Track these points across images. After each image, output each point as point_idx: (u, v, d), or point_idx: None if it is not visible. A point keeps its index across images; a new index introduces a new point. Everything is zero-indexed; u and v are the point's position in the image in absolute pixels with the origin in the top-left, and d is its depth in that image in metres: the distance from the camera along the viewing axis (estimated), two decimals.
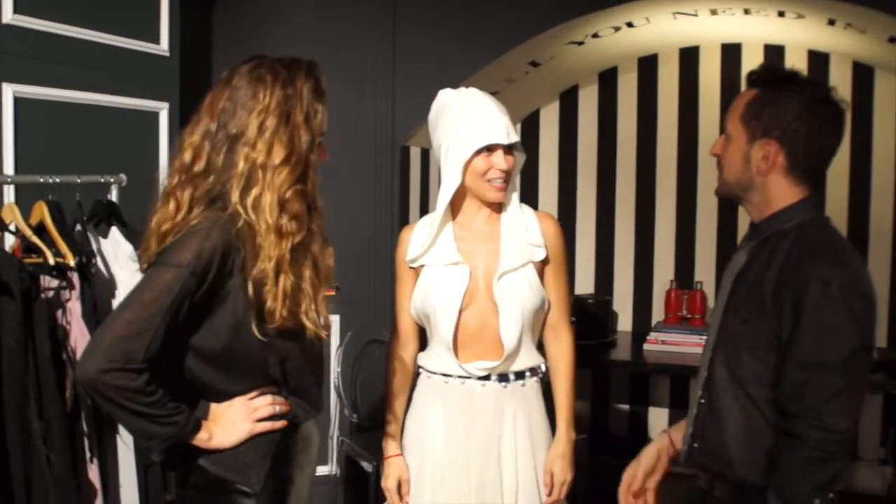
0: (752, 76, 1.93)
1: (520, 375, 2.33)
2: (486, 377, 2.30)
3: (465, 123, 2.25)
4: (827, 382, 1.72)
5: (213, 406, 1.87)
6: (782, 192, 1.87)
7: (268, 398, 1.89)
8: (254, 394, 1.88)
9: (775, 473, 1.78)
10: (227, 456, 1.87)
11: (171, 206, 1.81)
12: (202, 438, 1.83)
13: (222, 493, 1.87)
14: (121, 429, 2.46)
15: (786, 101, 1.83)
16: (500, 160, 2.24)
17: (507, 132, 2.25)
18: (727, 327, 1.92)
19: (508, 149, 2.27)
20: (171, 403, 1.77)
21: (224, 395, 1.88)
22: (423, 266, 2.35)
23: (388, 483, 2.37)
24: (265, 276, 1.77)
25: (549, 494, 2.34)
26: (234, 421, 1.86)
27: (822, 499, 1.74)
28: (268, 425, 1.89)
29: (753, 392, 1.83)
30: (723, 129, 1.96)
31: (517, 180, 2.39)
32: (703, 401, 1.95)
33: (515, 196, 2.38)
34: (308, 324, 1.83)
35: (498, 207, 2.37)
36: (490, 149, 2.24)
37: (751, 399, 1.84)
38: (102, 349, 1.69)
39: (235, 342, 1.82)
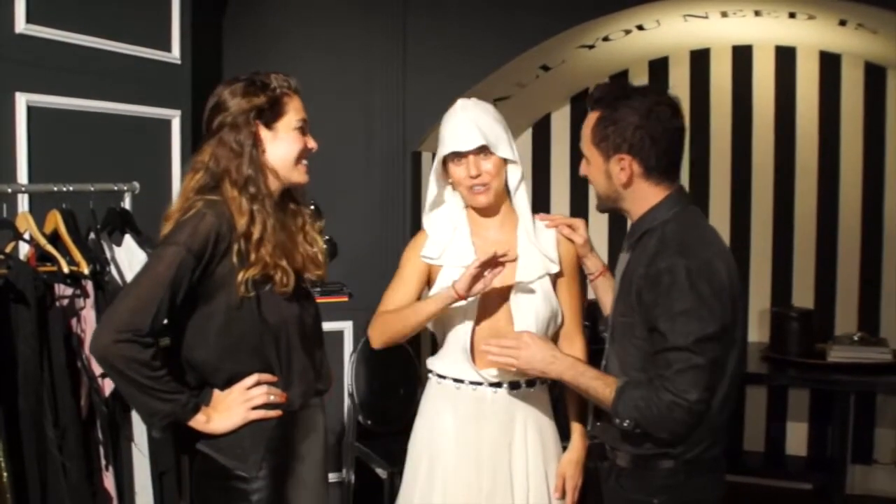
0: (590, 100, 2.10)
1: (530, 383, 2.33)
2: (498, 384, 2.31)
3: (442, 135, 2.31)
4: (681, 359, 1.89)
5: (216, 393, 2.01)
6: (647, 195, 2.06)
7: (263, 388, 2.01)
8: (251, 382, 2.00)
9: (620, 398, 1.97)
10: (226, 443, 2.00)
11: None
12: (200, 420, 1.97)
13: (224, 478, 2.01)
14: (136, 436, 2.47)
15: (624, 116, 2.00)
16: (467, 166, 2.27)
17: (468, 139, 2.24)
18: (615, 321, 2.12)
19: (482, 153, 2.26)
20: (173, 383, 1.92)
21: (224, 382, 2.01)
22: (439, 267, 2.35)
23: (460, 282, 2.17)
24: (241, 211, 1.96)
25: (560, 498, 2.35)
26: (230, 407, 1.99)
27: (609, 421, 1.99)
28: (262, 413, 2.01)
29: (633, 375, 2.00)
30: (581, 153, 2.13)
31: (521, 188, 2.36)
32: None
33: (526, 206, 2.37)
34: (277, 272, 1.99)
35: (511, 218, 2.37)
36: (460, 156, 2.27)
37: None
38: (113, 322, 1.86)
39: (232, 324, 1.98)
